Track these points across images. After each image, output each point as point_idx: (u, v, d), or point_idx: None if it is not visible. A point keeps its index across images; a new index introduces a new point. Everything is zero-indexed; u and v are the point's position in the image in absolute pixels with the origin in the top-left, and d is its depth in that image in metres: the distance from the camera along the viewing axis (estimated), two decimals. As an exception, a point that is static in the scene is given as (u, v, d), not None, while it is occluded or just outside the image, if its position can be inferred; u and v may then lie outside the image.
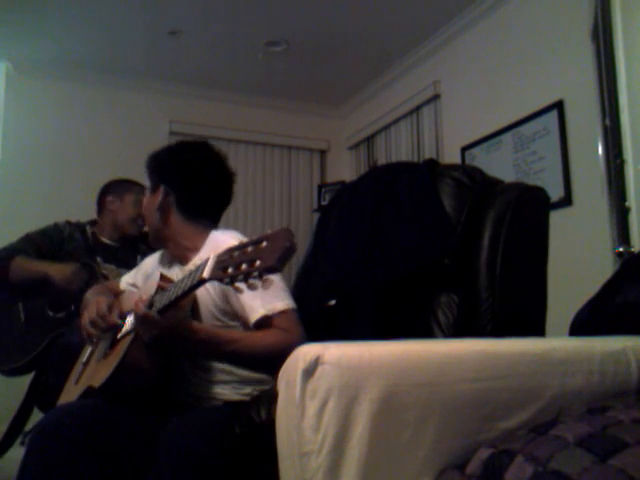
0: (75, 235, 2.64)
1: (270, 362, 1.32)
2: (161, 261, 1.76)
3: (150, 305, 1.37)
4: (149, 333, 1.36)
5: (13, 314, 2.53)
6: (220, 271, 1.16)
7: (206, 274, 1.20)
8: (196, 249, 1.63)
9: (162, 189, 1.66)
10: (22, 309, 2.54)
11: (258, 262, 1.09)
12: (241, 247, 1.15)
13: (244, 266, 1.11)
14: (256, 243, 1.12)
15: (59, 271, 2.46)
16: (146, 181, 1.74)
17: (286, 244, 1.08)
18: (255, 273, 1.10)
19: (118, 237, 2.70)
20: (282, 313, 1.48)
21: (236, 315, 1.53)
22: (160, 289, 1.44)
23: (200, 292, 1.49)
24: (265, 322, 1.48)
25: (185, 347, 1.47)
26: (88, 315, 1.56)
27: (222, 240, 1.56)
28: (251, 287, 1.12)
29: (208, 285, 1.27)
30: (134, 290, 1.75)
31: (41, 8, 3.57)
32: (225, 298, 1.53)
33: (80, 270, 2.47)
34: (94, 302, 1.59)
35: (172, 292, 1.34)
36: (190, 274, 1.29)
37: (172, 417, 1.37)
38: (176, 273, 1.61)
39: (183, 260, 1.66)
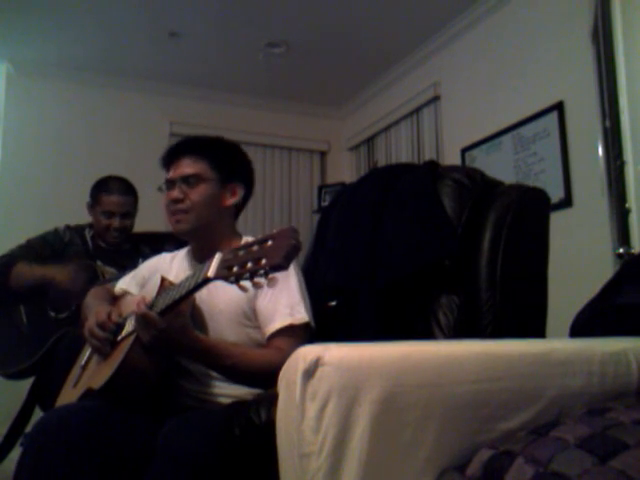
0: (75, 240, 2.63)
1: (266, 380, 1.32)
2: (175, 263, 1.72)
3: (151, 306, 1.37)
4: (148, 334, 1.35)
5: (15, 317, 2.53)
6: (225, 270, 1.16)
7: (211, 273, 1.19)
8: None
9: (240, 190, 1.66)
10: (24, 312, 2.53)
11: (264, 260, 1.09)
12: (246, 246, 1.15)
13: (250, 264, 1.11)
14: (261, 242, 1.13)
15: (61, 272, 2.46)
16: (189, 165, 1.61)
17: (292, 242, 1.08)
18: (261, 271, 1.10)
19: (110, 241, 2.67)
20: (305, 326, 1.50)
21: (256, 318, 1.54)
22: (162, 291, 1.44)
23: (233, 291, 1.49)
24: (285, 331, 1.49)
25: (182, 354, 1.47)
26: (88, 326, 1.55)
27: None
28: (256, 285, 1.12)
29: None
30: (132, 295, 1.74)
31: (42, 10, 3.57)
32: (255, 298, 1.54)
33: (80, 268, 2.47)
34: (93, 313, 1.56)
35: (175, 292, 1.34)
36: (194, 274, 1.29)
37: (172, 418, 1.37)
38: None
39: None
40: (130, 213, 2.65)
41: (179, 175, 1.62)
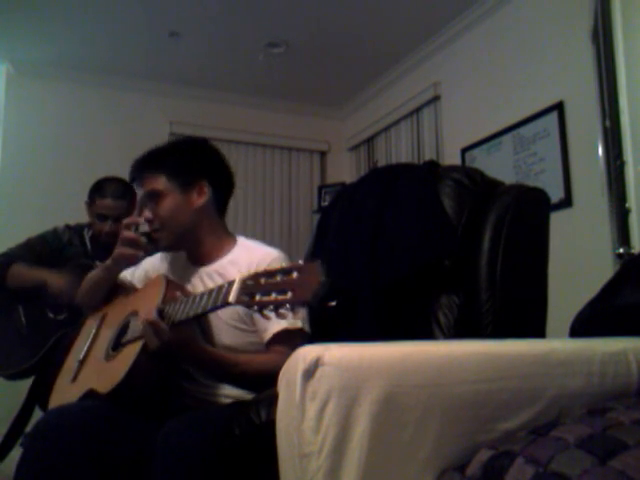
0: (74, 240, 2.63)
1: (273, 384, 1.32)
2: (173, 262, 1.71)
3: (160, 312, 1.36)
4: (156, 343, 1.35)
5: (14, 318, 2.53)
6: (247, 297, 1.15)
7: (232, 299, 1.18)
8: (222, 251, 1.63)
9: (207, 187, 1.62)
10: (23, 312, 2.53)
11: (290, 294, 1.08)
12: (268, 274, 1.13)
13: (274, 295, 1.10)
14: (285, 272, 1.11)
15: (55, 280, 2.44)
16: (154, 181, 1.62)
17: (320, 279, 1.07)
18: (287, 305, 1.09)
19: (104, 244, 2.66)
20: (300, 331, 1.50)
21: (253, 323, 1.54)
22: (170, 298, 1.43)
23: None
24: (282, 336, 1.49)
25: (189, 364, 1.48)
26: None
27: (255, 248, 1.62)
28: (280, 316, 1.12)
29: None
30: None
31: (42, 10, 3.57)
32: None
33: (76, 280, 2.43)
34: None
35: (189, 308, 1.33)
36: (211, 293, 1.27)
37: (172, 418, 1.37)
38: (199, 276, 1.62)
39: (206, 261, 1.63)
40: (123, 217, 2.61)
41: (144, 194, 1.64)
